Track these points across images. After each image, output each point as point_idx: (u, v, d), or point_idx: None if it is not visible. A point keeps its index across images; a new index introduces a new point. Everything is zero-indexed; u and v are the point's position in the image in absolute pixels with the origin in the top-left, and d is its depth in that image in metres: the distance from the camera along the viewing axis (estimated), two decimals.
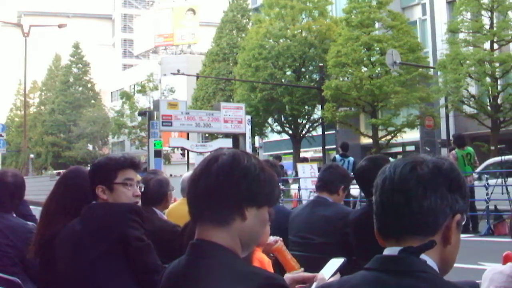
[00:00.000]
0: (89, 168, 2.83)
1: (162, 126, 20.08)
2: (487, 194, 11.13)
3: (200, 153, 22.62)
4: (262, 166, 1.53)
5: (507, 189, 11.41)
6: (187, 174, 4.56)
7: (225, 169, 1.49)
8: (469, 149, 11.63)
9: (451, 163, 1.38)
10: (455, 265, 1.41)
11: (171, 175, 28.68)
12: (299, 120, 29.82)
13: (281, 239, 3.00)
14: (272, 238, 2.88)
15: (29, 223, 3.73)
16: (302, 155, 29.00)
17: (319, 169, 15.88)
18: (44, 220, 2.90)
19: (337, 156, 14.37)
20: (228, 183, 1.48)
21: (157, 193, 3.62)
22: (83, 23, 72.52)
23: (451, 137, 22.62)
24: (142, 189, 2.87)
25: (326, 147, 25.90)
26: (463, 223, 1.35)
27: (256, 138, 34.37)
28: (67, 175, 3.05)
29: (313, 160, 27.64)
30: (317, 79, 27.30)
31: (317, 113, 28.90)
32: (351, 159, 14.01)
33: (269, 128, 32.05)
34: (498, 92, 19.99)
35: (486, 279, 2.06)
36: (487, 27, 20.16)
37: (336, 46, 24.66)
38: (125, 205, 2.62)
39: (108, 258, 2.47)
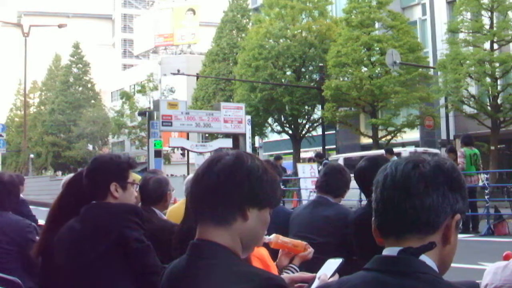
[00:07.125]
0: (98, 162, 2.69)
1: (162, 126, 20.09)
2: (486, 194, 11.14)
3: (200, 153, 22.63)
4: (265, 167, 1.53)
5: None
6: (191, 175, 4.55)
7: (228, 169, 1.49)
8: (476, 150, 11.68)
9: (452, 163, 1.38)
10: (455, 265, 1.41)
11: (171, 175, 28.67)
12: (299, 120, 29.79)
13: (270, 237, 2.89)
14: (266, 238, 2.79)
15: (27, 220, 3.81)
16: (302, 155, 28.99)
17: (319, 170, 15.94)
18: (50, 223, 2.90)
19: None
20: (231, 183, 1.48)
21: (156, 192, 3.62)
22: (83, 23, 72.43)
23: (451, 137, 22.74)
24: (137, 189, 2.87)
25: (326, 147, 25.87)
26: (461, 224, 1.35)
27: (256, 138, 34.33)
28: (75, 178, 3.03)
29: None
30: (317, 79, 27.28)
31: (317, 113, 28.88)
32: None
33: (269, 128, 32.01)
34: (498, 92, 19.98)
35: (489, 273, 2.03)
36: (487, 27, 20.14)
37: (336, 46, 24.65)
38: (124, 206, 2.61)
39: (107, 258, 2.46)
